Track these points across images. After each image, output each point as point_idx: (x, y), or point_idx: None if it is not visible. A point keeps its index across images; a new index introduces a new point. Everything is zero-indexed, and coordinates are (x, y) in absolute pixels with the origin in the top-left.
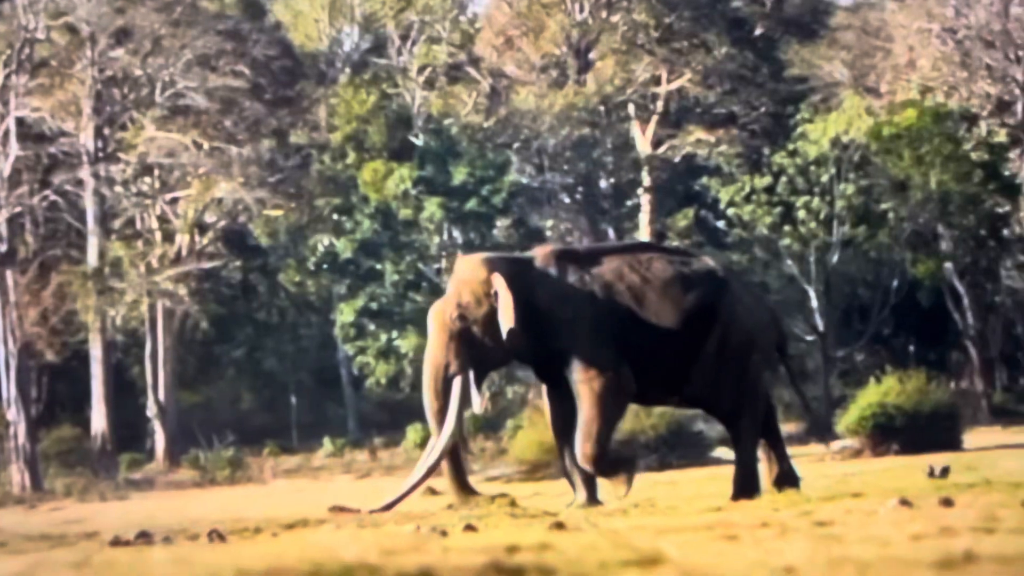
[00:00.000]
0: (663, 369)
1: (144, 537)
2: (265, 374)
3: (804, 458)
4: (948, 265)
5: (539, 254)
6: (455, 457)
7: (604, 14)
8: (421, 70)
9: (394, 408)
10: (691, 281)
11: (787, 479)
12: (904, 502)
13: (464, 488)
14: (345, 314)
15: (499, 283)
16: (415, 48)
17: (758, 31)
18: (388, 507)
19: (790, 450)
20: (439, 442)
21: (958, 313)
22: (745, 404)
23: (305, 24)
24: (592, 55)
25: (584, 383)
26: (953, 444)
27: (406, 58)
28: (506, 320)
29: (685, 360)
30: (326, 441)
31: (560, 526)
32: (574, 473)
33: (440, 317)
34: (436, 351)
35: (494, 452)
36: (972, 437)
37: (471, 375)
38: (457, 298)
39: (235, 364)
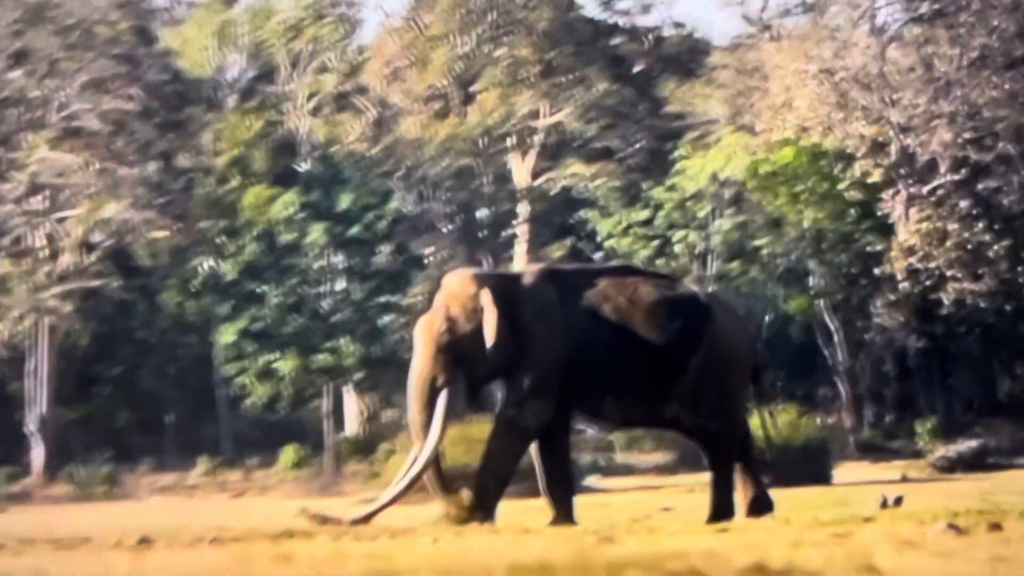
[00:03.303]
0: (646, 392)
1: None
2: (142, 392)
3: (675, 489)
4: (820, 302)
5: (527, 272)
6: (436, 466)
7: (488, 48)
8: (309, 98)
9: (269, 428)
10: (675, 305)
11: (761, 503)
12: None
13: (449, 491)
14: (226, 335)
15: (486, 299)
16: (304, 76)
17: (637, 68)
18: (368, 517)
19: (660, 480)
20: (423, 453)
21: (828, 349)
22: (724, 428)
23: (192, 51)
24: (475, 88)
25: (511, 405)
26: (823, 478)
27: (295, 86)
28: (491, 335)
29: (668, 383)
30: (201, 460)
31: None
32: (551, 492)
33: (428, 330)
34: (424, 363)
35: (367, 475)
36: (841, 472)
37: (458, 388)
38: (446, 312)
39: (113, 382)
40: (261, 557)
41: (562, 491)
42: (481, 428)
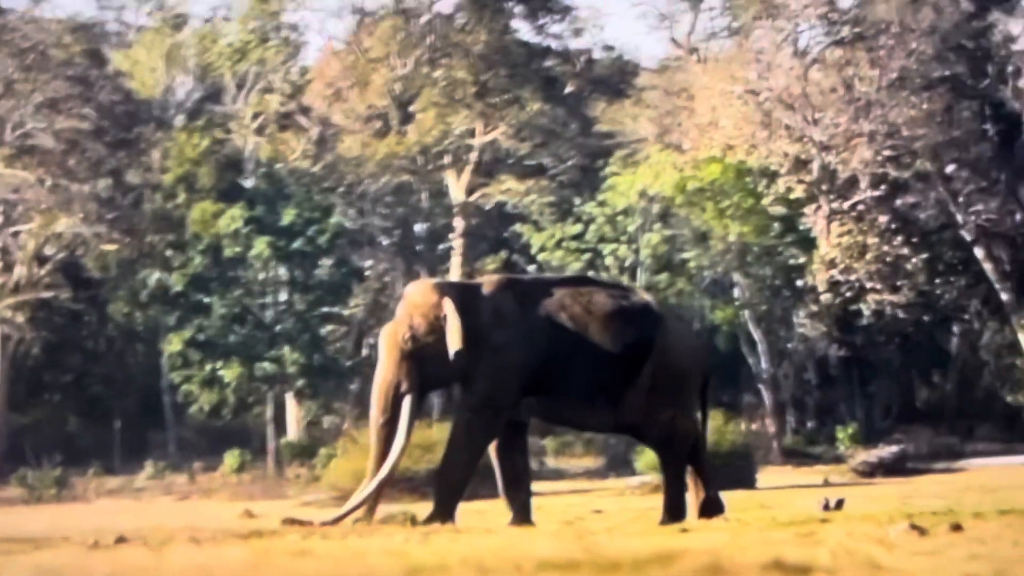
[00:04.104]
0: (601, 397)
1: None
2: (91, 399)
3: (604, 492)
4: (745, 312)
5: (487, 282)
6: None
7: (426, 70)
8: (254, 117)
9: (213, 434)
10: (629, 314)
11: (713, 506)
12: None
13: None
14: (173, 344)
15: (448, 307)
16: (249, 96)
17: (569, 89)
18: (337, 520)
19: (590, 484)
20: (390, 458)
21: (752, 358)
22: (675, 433)
23: (142, 73)
24: (413, 108)
25: (467, 410)
26: (747, 483)
27: (240, 106)
28: (454, 343)
29: (622, 389)
30: (148, 464)
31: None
32: (510, 494)
33: (392, 338)
34: (388, 370)
35: (308, 479)
36: (764, 476)
37: (421, 394)
38: (409, 320)
39: (63, 389)
40: (279, 553)
41: (520, 493)
42: (420, 434)
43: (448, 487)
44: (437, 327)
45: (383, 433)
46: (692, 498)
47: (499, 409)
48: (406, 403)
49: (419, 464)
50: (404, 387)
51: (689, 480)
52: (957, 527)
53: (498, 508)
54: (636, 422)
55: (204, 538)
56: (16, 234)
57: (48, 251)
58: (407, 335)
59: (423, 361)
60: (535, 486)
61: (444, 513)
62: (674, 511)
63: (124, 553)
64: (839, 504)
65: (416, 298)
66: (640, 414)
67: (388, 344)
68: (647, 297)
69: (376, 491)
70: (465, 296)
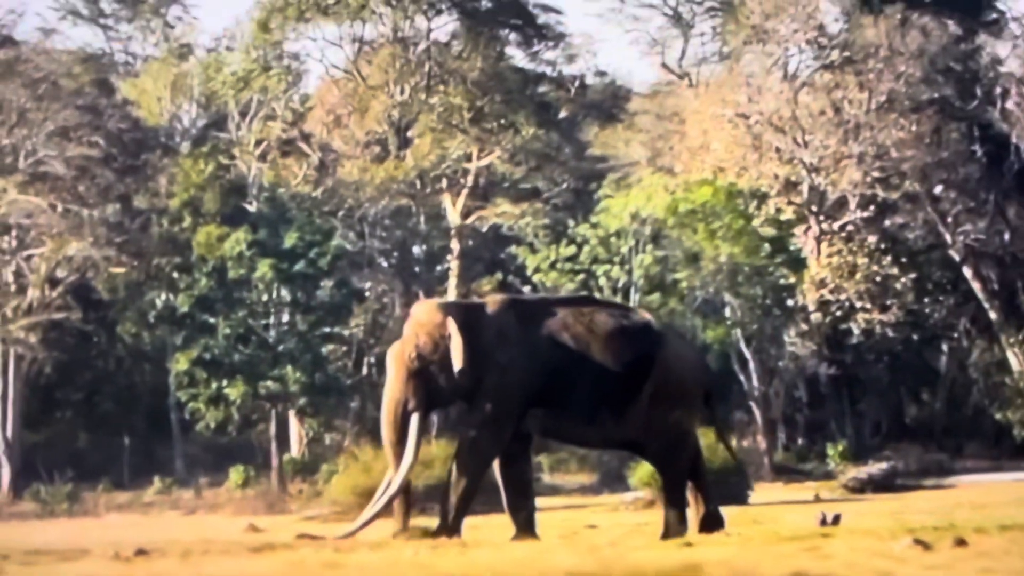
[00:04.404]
0: (603, 415)
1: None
2: (101, 416)
3: (599, 507)
4: (736, 331)
5: (490, 301)
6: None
7: (423, 96)
8: (257, 144)
9: (218, 451)
10: (630, 333)
11: (713, 520)
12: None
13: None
14: (180, 363)
15: (452, 327)
16: (252, 123)
17: (563, 114)
18: (350, 535)
19: (584, 500)
20: (399, 473)
21: (744, 376)
22: (675, 449)
23: (149, 101)
24: (411, 133)
25: (472, 427)
26: (739, 499)
27: (244, 132)
28: (458, 361)
29: (623, 406)
30: (156, 479)
31: None
32: (514, 507)
33: (400, 357)
34: (395, 388)
35: (310, 494)
36: (755, 493)
37: (429, 411)
38: (415, 339)
39: (74, 406)
40: (312, 564)
41: (525, 508)
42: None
43: (454, 503)
44: (442, 346)
45: (396, 450)
46: (692, 513)
47: (503, 426)
48: (413, 420)
49: (418, 480)
50: (411, 405)
51: (689, 495)
52: (961, 542)
53: (492, 523)
54: (637, 438)
55: (217, 550)
56: (29, 258)
57: (60, 274)
58: (413, 354)
59: (429, 379)
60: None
61: (451, 528)
62: (675, 526)
63: (157, 564)
64: (836, 519)
65: (421, 317)
66: (641, 430)
67: (395, 363)
68: (647, 316)
69: (384, 507)
70: (469, 315)
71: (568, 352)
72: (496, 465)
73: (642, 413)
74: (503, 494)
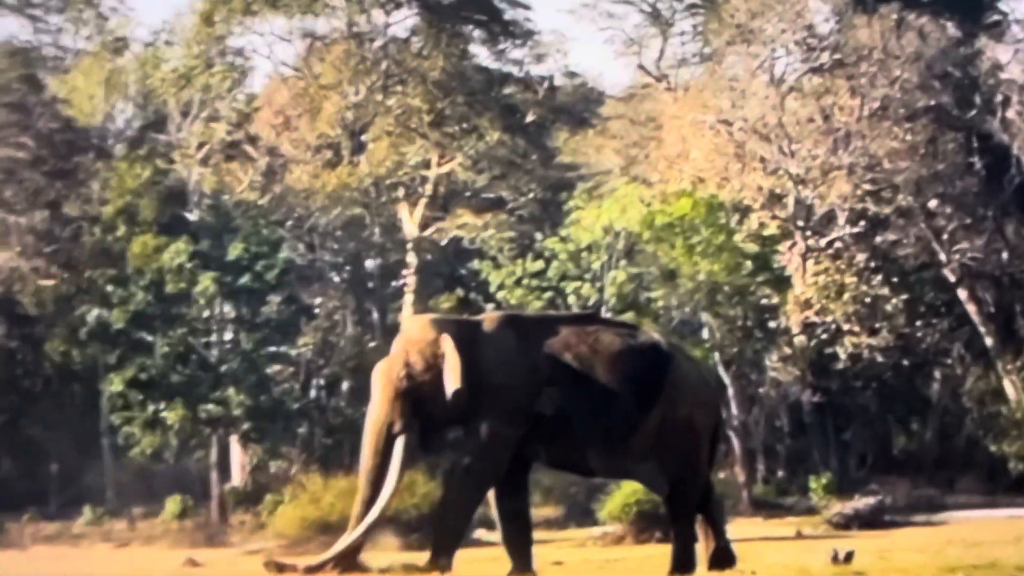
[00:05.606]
0: (607, 441)
1: None
2: (26, 441)
3: (565, 543)
4: (714, 355)
5: (488, 318)
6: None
7: (379, 97)
8: (199, 146)
9: (154, 479)
10: (637, 354)
11: (724, 556)
12: None
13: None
14: (113, 384)
15: (447, 345)
16: (194, 124)
17: (530, 118)
18: (322, 565)
19: (549, 535)
20: (380, 500)
21: (722, 403)
22: (685, 480)
23: (81, 100)
24: (366, 137)
25: (467, 453)
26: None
27: (184, 134)
28: (452, 381)
29: (628, 433)
30: (86, 509)
31: None
32: (509, 542)
33: (387, 375)
34: (380, 409)
35: (253, 526)
36: (734, 528)
37: (414, 435)
38: (405, 357)
39: None
40: None
41: (521, 541)
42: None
43: (447, 533)
44: (435, 365)
45: (373, 476)
46: (702, 548)
47: (500, 453)
48: (399, 444)
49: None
50: (397, 427)
51: (699, 529)
52: None
53: (480, 556)
54: (644, 468)
55: None
56: None
57: None
58: (402, 372)
59: (418, 401)
60: (493, 535)
61: (443, 560)
62: (684, 562)
63: None
64: (848, 557)
65: (413, 334)
66: (648, 459)
67: (382, 381)
68: (656, 336)
69: (363, 536)
70: (465, 333)
71: (571, 373)
72: (491, 496)
73: (650, 441)
74: (499, 524)
